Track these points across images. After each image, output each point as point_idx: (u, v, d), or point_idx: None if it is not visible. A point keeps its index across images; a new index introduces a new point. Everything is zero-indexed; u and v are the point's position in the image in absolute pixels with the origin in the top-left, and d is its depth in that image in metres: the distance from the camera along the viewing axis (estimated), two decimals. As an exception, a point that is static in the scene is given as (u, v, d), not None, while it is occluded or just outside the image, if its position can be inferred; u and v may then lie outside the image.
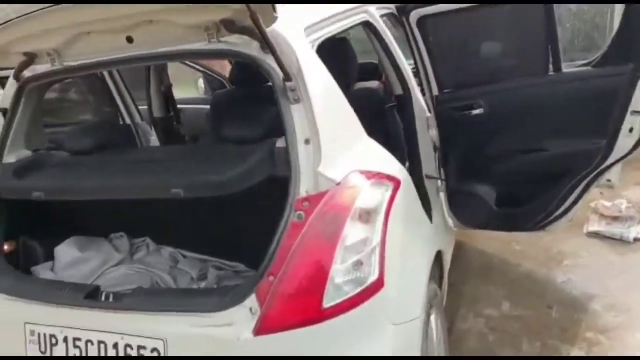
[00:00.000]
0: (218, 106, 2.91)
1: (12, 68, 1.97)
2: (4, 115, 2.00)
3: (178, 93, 3.72)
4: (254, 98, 2.89)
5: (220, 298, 1.54)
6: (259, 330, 1.45)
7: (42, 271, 2.03)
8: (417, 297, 1.74)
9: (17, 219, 2.00)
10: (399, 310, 1.62)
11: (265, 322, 1.45)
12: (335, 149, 1.62)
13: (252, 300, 1.49)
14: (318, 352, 1.47)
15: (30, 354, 1.69)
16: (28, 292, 1.74)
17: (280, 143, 1.64)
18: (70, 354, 1.64)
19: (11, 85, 2.00)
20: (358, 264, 1.49)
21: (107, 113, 3.35)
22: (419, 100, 2.65)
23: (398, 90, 2.57)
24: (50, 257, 2.12)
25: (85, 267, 2.08)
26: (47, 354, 1.67)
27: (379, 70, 3.16)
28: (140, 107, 3.25)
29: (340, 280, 1.46)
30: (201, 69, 3.91)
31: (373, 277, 1.51)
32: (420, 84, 2.62)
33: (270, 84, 1.62)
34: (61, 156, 2.07)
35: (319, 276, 1.45)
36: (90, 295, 1.66)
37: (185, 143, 3.35)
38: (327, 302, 1.44)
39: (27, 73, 1.96)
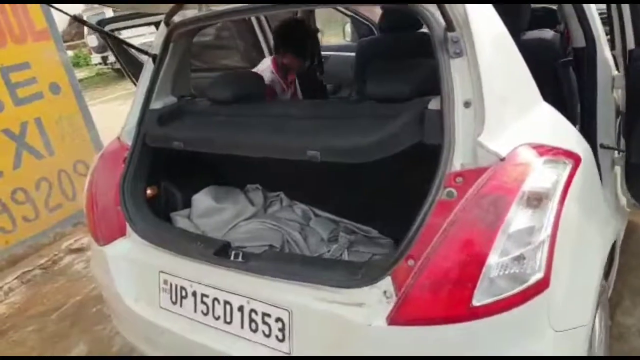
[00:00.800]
0: (363, 55, 2.68)
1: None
2: (154, 61, 1.99)
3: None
4: (404, 48, 2.61)
5: (351, 274, 1.38)
6: (395, 319, 1.27)
7: (180, 218, 2.04)
8: (588, 300, 1.43)
9: (160, 164, 2.02)
10: (564, 315, 1.33)
11: (402, 311, 1.26)
12: (502, 115, 1.32)
13: (387, 283, 1.30)
14: (459, 354, 1.26)
15: (162, 302, 1.70)
16: (164, 241, 1.74)
17: (433, 104, 1.39)
18: (198, 309, 1.61)
19: (161, 32, 1.97)
20: (520, 258, 1.22)
21: (255, 59, 3.30)
22: (605, 55, 2.18)
23: (580, 42, 2.12)
24: (188, 204, 2.13)
25: (219, 217, 2.05)
26: (178, 304, 1.67)
27: (555, 18, 2.67)
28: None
29: (497, 275, 1.21)
30: (349, 13, 3.68)
31: (537, 276, 1.23)
32: (610, 35, 2.14)
33: (424, 30, 1.37)
34: (203, 105, 2.03)
35: (472, 268, 1.21)
36: (219, 252, 1.60)
37: (327, 94, 3.20)
38: (479, 300, 1.21)
39: (176, 18, 1.92)
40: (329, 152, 1.44)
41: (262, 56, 3.14)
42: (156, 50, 1.98)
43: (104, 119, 4.75)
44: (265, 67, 2.72)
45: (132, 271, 1.80)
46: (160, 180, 2.09)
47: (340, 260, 1.63)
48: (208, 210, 2.06)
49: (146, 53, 2.04)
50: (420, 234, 1.27)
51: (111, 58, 12.50)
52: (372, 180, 1.87)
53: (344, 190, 2.02)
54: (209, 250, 1.61)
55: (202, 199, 2.09)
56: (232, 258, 1.58)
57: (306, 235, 1.99)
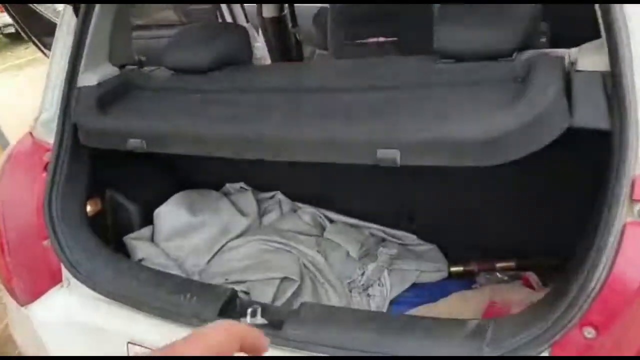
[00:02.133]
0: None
1: None
2: (77, 12, 1.28)
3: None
4: None
5: (467, 344, 0.85)
6: None
7: (140, 244, 1.40)
8: None
9: (101, 165, 1.36)
10: None
11: None
12: None
13: None
14: None
15: (138, 389, 1.10)
16: (129, 294, 1.12)
17: (586, 63, 0.86)
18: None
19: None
20: None
21: (194, 13, 2.59)
22: None
23: None
24: (146, 219, 1.49)
25: (198, 236, 1.44)
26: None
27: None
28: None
29: None
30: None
31: None
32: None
33: None
34: (161, 76, 1.36)
35: None
36: (227, 310, 1.02)
37: (302, 54, 2.54)
38: None
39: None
40: (419, 149, 0.88)
41: (215, 7, 2.43)
42: (78, -6, 1.28)
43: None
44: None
45: (79, 341, 1.16)
46: (104, 188, 1.43)
47: (439, 320, 1.08)
48: (181, 227, 1.44)
49: (62, -1, 1.32)
50: (605, 284, 0.76)
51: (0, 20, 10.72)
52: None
53: (361, 179, 1.46)
54: (209, 309, 1.02)
55: (172, 212, 1.45)
56: (249, 319, 0.99)
57: (324, 251, 1.43)
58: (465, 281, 1.39)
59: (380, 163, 0.89)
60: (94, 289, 1.15)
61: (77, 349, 1.15)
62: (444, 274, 1.40)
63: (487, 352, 0.82)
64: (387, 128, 0.91)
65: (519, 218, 1.35)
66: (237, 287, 1.30)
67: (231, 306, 1.04)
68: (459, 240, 1.47)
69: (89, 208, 1.35)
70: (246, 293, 1.30)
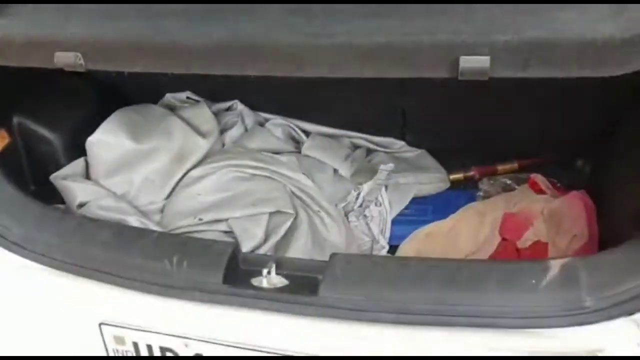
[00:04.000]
0: None
1: None
2: None
3: None
4: None
5: (570, 292, 0.68)
6: None
7: (75, 185, 1.07)
8: None
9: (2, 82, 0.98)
10: None
11: None
12: None
13: None
14: None
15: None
16: (91, 264, 0.83)
17: None
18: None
19: None
20: None
21: None
22: None
23: None
24: (72, 150, 1.14)
25: (148, 168, 1.13)
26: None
27: None
28: None
29: None
30: None
31: None
32: None
33: None
34: None
35: None
36: (230, 272, 0.78)
37: None
38: None
39: None
40: (521, 54, 0.64)
41: None
42: None
43: None
44: None
45: (24, 327, 0.88)
46: (10, 114, 1.06)
47: (510, 263, 0.88)
48: (125, 158, 1.12)
49: None
50: None
51: None
52: None
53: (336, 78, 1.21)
54: (210, 275, 0.77)
55: (111, 140, 1.12)
56: (265, 282, 0.77)
57: (309, 171, 1.20)
58: (468, 190, 1.25)
59: (462, 76, 0.65)
60: (32, 256, 0.84)
61: (20, 333, 0.87)
62: (447, 185, 1.25)
63: (589, 303, 0.67)
64: (469, 25, 0.66)
65: (518, 117, 1.20)
66: (215, 228, 1.06)
67: (233, 264, 0.80)
68: (452, 144, 1.31)
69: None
70: (226, 233, 1.07)
